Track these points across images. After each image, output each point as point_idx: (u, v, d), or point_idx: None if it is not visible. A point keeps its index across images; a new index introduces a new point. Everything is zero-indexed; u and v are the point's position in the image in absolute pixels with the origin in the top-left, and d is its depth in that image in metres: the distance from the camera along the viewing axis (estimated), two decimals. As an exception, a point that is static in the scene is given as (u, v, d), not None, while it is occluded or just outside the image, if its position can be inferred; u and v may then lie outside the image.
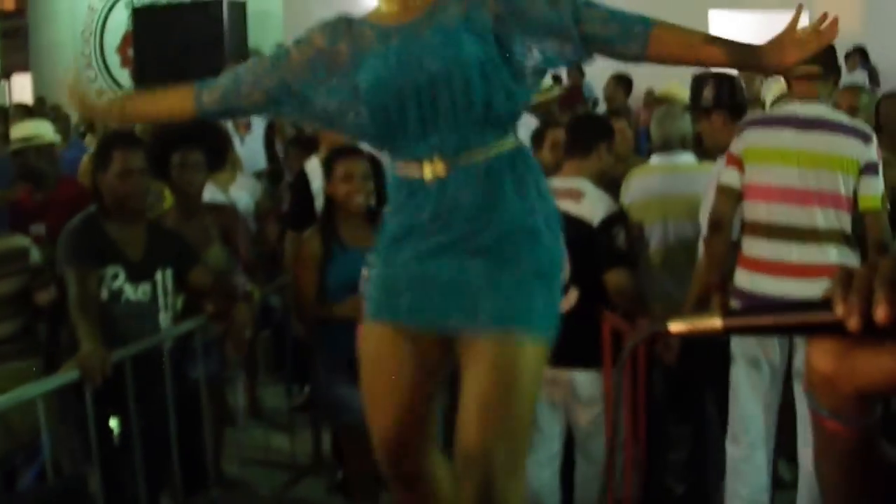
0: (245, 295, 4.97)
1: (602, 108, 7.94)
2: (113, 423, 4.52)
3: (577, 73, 12.22)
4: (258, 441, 6.51)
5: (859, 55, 13.70)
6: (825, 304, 1.09)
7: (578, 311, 4.75)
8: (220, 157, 5.51)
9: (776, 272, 4.48)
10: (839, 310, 1.07)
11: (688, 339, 4.68)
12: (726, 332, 1.14)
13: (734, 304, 4.53)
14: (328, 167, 5.02)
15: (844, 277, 1.08)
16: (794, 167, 4.49)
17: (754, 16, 10.82)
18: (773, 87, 6.21)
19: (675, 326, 1.17)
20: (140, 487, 4.48)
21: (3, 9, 21.42)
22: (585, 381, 4.84)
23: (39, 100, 16.61)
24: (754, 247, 4.56)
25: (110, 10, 18.91)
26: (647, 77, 8.37)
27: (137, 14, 17.21)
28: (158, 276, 4.65)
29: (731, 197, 4.60)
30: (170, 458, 4.74)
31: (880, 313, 1.04)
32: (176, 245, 4.81)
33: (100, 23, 19.06)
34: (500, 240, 3.08)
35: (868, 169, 4.50)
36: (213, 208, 5.63)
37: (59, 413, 4.44)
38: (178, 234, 4.93)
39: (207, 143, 5.32)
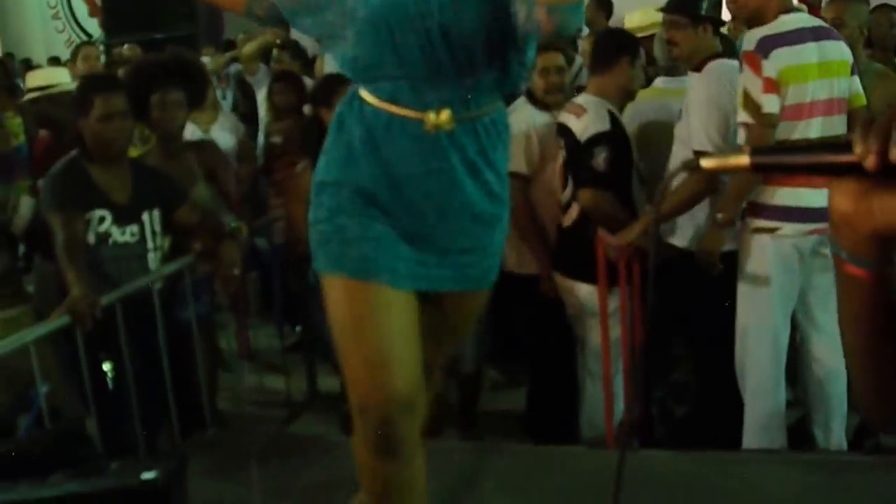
0: (232, 232, 4.92)
1: (585, 32, 7.83)
2: (107, 366, 4.47)
3: None
4: (252, 383, 6.49)
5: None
6: (847, 145, 1.12)
7: (579, 225, 4.80)
8: (199, 94, 5.43)
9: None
10: (858, 150, 1.11)
11: (691, 264, 4.68)
12: (754, 169, 1.19)
13: (771, 224, 4.52)
14: (324, 95, 4.93)
15: (867, 121, 1.12)
16: (823, 79, 4.46)
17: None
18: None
19: (707, 163, 1.22)
20: (137, 429, 4.44)
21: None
22: (590, 295, 4.86)
23: (8, 55, 16.40)
24: None
25: (77, -42, 18.65)
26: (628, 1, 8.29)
27: (105, -39, 16.99)
28: (146, 217, 4.59)
29: (773, 125, 4.41)
30: (164, 399, 4.71)
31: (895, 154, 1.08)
32: (162, 185, 4.75)
33: (66, -28, 18.80)
34: (493, 201, 3.06)
35: (854, 68, 4.60)
36: (194, 146, 5.56)
37: (54, 359, 4.42)
38: (164, 174, 4.86)
39: (187, 80, 5.24)
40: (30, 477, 3.20)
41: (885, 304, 1.23)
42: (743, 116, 4.45)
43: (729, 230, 4.63)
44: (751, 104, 4.42)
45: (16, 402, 4.69)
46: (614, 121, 4.93)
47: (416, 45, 2.82)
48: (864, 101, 4.64)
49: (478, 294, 3.24)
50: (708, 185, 4.62)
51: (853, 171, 1.12)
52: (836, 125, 4.49)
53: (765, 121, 4.40)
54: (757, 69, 4.41)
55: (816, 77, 4.45)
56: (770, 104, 4.39)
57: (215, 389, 5.64)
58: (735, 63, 4.70)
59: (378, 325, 2.95)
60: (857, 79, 4.61)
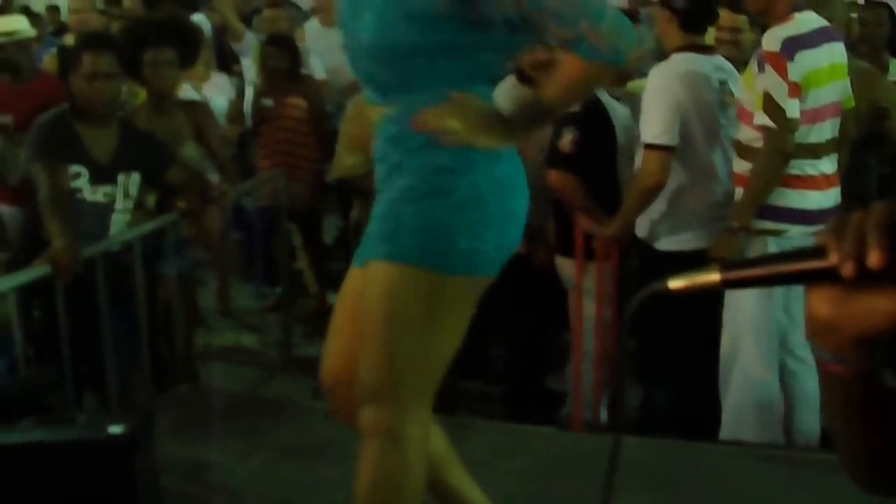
0: (218, 194, 4.95)
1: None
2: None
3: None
4: (228, 341, 6.54)
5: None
6: (819, 251, 1.09)
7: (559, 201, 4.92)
8: (191, 54, 5.46)
9: (824, 186, 4.44)
10: (833, 257, 1.07)
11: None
12: (725, 286, 1.15)
13: (778, 226, 4.42)
14: None
15: (837, 224, 1.08)
16: (833, 82, 4.44)
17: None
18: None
19: (675, 283, 1.17)
20: (110, 382, 4.49)
21: None
22: (570, 270, 4.99)
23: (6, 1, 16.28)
24: (804, 167, 4.40)
25: None
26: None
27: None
28: (121, 178, 4.57)
29: (794, 131, 4.31)
30: (139, 354, 4.75)
31: (873, 259, 1.04)
32: (149, 149, 4.74)
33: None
34: (394, 174, 2.83)
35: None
36: (185, 105, 5.58)
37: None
38: (153, 137, 4.85)
39: (179, 40, 5.26)
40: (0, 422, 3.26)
41: (869, 395, 1.22)
42: (762, 119, 4.31)
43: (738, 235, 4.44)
44: (773, 107, 4.28)
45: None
46: (593, 103, 4.88)
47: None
48: (853, 102, 4.64)
49: (371, 271, 2.81)
50: (659, 179, 4.62)
51: (829, 276, 1.09)
52: (837, 127, 4.49)
53: (788, 126, 4.29)
54: (782, 72, 4.27)
55: (828, 81, 4.41)
56: (793, 109, 4.28)
57: (191, 346, 5.69)
58: (700, 58, 4.70)
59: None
60: (849, 80, 4.59)
